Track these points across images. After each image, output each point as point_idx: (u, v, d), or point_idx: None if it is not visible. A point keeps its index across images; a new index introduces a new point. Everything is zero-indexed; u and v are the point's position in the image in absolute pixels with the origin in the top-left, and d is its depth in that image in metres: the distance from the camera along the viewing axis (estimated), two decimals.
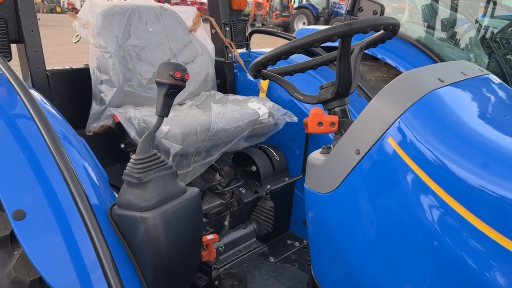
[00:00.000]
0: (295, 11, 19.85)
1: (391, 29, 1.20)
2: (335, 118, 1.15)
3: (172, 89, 1.19)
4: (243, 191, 2.06)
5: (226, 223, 1.97)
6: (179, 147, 1.53)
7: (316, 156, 1.20)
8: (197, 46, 2.14)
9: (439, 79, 1.00)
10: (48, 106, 1.44)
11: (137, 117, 1.67)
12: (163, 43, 2.01)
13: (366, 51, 2.94)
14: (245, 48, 2.52)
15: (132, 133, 1.66)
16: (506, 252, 0.80)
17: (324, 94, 1.29)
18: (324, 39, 1.11)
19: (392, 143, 0.95)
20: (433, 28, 3.58)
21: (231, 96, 2.10)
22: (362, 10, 3.53)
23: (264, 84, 2.30)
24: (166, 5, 2.16)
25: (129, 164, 1.18)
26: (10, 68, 1.28)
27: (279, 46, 1.20)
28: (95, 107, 1.80)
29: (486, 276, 0.82)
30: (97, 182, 1.27)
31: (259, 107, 1.86)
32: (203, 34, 2.20)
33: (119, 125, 1.73)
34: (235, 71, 2.46)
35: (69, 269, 1.08)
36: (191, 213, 1.20)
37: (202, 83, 2.14)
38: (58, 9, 30.62)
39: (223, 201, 2.01)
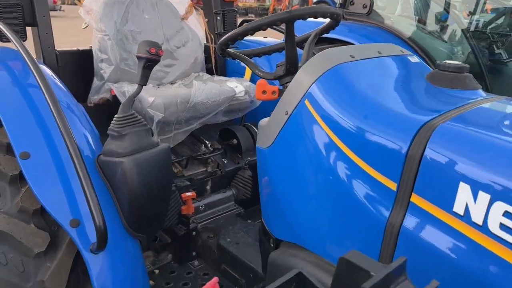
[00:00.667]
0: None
1: (331, 17, 1.45)
2: (275, 88, 1.42)
3: (148, 62, 1.48)
4: (225, 161, 2.35)
5: (208, 187, 2.26)
6: (161, 115, 1.82)
7: (264, 120, 1.48)
8: (188, 32, 2.42)
9: (350, 55, 1.26)
10: (54, 78, 1.74)
11: (130, 91, 1.96)
12: (157, 29, 2.30)
13: (345, 39, 3.15)
14: None
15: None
16: (378, 183, 1.06)
17: (278, 71, 1.56)
18: (269, 23, 1.37)
19: (307, 104, 1.21)
20: (422, 23, 3.78)
21: (216, 77, 2.39)
22: (353, 4, 3.75)
23: (248, 69, 2.58)
24: None
25: (112, 121, 1.48)
26: (25, 47, 1.58)
27: (237, 28, 1.47)
28: (95, 82, 2.11)
29: (365, 201, 1.08)
30: (89, 138, 1.57)
31: (236, 86, 2.14)
32: (195, 22, 2.49)
33: (115, 97, 2.03)
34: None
35: (63, 201, 1.39)
36: (161, 162, 1.49)
37: (192, 66, 2.43)
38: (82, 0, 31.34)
39: (207, 169, 2.30)
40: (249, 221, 2.29)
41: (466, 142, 0.94)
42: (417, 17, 3.85)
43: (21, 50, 1.53)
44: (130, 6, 2.23)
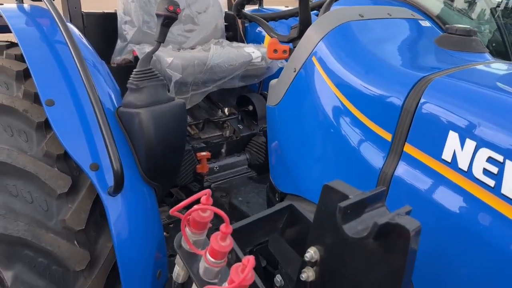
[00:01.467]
0: None
1: None
2: (287, 47, 1.47)
3: (166, 19, 1.55)
4: (241, 127, 2.43)
5: (223, 150, 2.35)
6: (179, 76, 1.90)
7: (275, 80, 1.53)
8: None
9: (359, 14, 1.30)
10: (80, 37, 1.84)
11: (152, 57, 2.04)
12: None
13: None
14: (257, 5, 2.84)
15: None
16: (375, 134, 1.11)
17: (292, 33, 1.60)
18: None
19: (314, 61, 1.26)
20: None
21: (234, 44, 2.44)
22: None
23: (267, 37, 2.62)
24: None
25: (131, 75, 1.56)
26: (54, 5, 1.67)
27: None
28: (119, 43, 2.20)
29: (362, 151, 1.13)
30: (111, 93, 1.66)
31: (253, 51, 2.19)
32: None
33: (136, 58, 2.12)
34: (246, 25, 2.78)
35: (84, 147, 1.49)
36: (176, 115, 1.58)
37: (212, 32, 2.49)
38: None
39: (223, 134, 2.39)
40: (261, 184, 2.38)
41: (458, 94, 0.98)
42: None
43: (50, 9, 1.62)
44: None
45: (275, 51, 1.46)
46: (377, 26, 1.31)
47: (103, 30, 2.29)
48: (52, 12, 1.60)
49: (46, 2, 1.66)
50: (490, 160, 0.87)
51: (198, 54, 2.07)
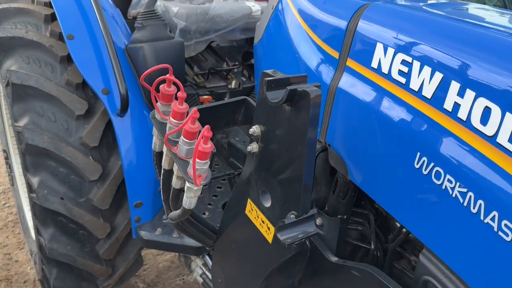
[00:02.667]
0: None
1: None
2: None
3: None
4: (243, 79, 2.67)
5: (225, 98, 2.60)
6: (183, 24, 2.15)
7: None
8: None
9: None
10: None
11: (161, 5, 2.30)
12: None
13: None
14: None
15: None
16: (327, 54, 1.33)
17: None
18: None
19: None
20: None
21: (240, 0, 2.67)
22: None
23: None
24: None
25: (137, 16, 1.83)
26: None
27: None
28: None
29: (318, 70, 1.36)
30: (122, 33, 1.94)
31: (253, 5, 2.42)
32: None
33: None
34: None
35: (98, 74, 1.78)
36: (175, 51, 1.84)
37: None
38: None
39: (227, 85, 2.64)
40: None
41: (387, 14, 1.19)
42: None
43: None
44: None
45: None
46: None
47: None
48: None
49: None
50: (403, 62, 1.08)
51: (203, 6, 2.31)
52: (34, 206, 1.81)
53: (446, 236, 1.00)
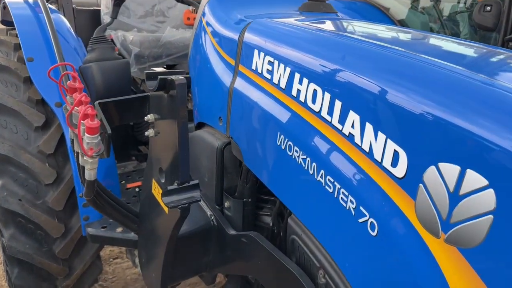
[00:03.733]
0: None
1: None
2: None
3: (117, 0, 2.12)
4: None
5: None
6: (137, 49, 2.46)
7: None
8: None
9: None
10: (62, 19, 2.42)
11: (120, 34, 2.63)
12: None
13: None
14: None
15: (118, 44, 2.64)
16: (227, 63, 1.60)
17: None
18: None
19: (202, 19, 1.78)
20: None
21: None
22: None
23: None
24: None
25: (89, 41, 2.13)
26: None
27: None
28: None
29: (222, 78, 1.63)
30: (77, 55, 2.24)
31: None
32: None
33: (112, 40, 2.71)
34: None
35: (53, 91, 2.06)
36: (120, 71, 2.12)
37: (180, 23, 3.05)
38: None
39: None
40: None
41: (263, 27, 1.47)
42: None
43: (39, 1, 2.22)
44: None
45: (188, 18, 1.99)
46: None
47: (90, 21, 2.91)
48: (40, 2, 2.20)
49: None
50: (269, 62, 1.34)
51: (155, 34, 2.64)
52: None
53: (300, 199, 1.23)
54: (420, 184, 0.88)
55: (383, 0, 3.98)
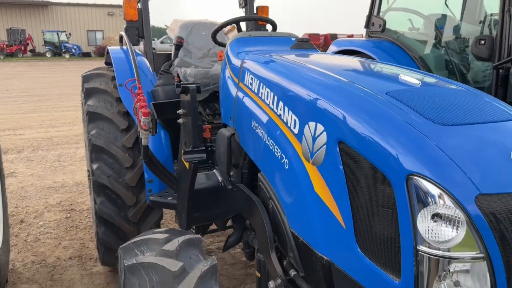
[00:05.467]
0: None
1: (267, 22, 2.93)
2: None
3: (176, 45, 3.15)
4: None
5: None
6: (192, 79, 3.46)
7: None
8: None
9: (249, 34, 2.71)
10: (144, 61, 3.51)
11: (182, 69, 3.67)
12: (208, 38, 4.01)
13: (362, 51, 4.40)
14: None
15: (181, 76, 3.68)
16: (232, 80, 2.49)
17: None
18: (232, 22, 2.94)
19: (225, 55, 2.71)
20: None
21: None
22: (373, 25, 4.94)
23: None
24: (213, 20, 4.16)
25: (158, 74, 3.16)
26: (131, 46, 3.37)
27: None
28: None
29: (232, 92, 2.52)
30: (151, 83, 3.29)
31: None
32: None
33: (178, 76, 3.76)
34: None
35: (130, 101, 3.12)
36: (174, 92, 3.10)
37: None
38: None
39: None
40: None
41: (253, 59, 2.34)
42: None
43: (128, 47, 3.33)
44: (194, 27, 4.00)
45: (220, 56, 2.94)
46: (260, 38, 2.72)
47: (165, 61, 4.01)
48: (128, 48, 3.31)
49: (128, 46, 3.38)
50: (256, 81, 2.20)
51: (206, 69, 3.64)
52: (93, 182, 3.09)
53: (260, 156, 2.05)
54: (303, 136, 1.67)
55: (405, 38, 4.70)
